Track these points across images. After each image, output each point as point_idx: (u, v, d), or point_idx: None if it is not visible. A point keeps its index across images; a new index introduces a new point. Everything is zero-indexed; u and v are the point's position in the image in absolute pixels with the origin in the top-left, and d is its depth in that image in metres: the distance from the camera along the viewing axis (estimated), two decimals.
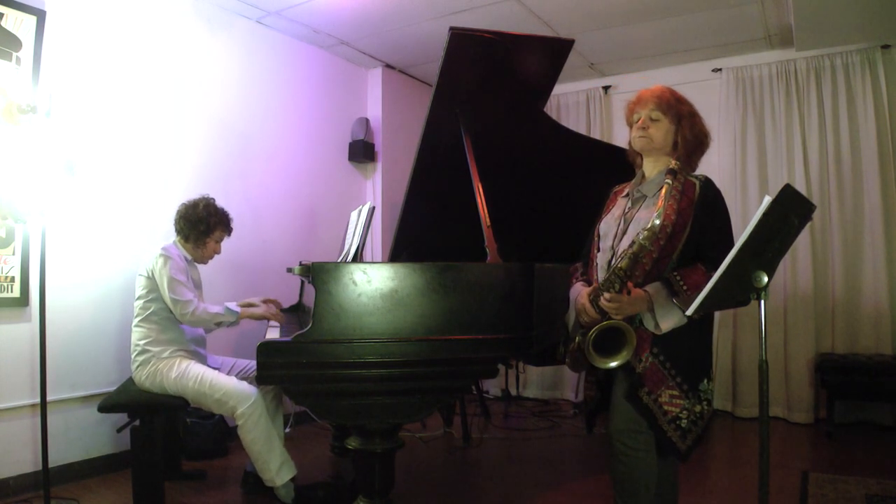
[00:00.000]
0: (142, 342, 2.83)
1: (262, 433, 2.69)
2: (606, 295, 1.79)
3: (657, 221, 1.74)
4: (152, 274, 2.85)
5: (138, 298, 2.88)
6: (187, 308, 2.79)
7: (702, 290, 1.69)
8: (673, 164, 1.85)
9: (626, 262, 1.76)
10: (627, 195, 2.03)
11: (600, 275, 1.96)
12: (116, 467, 3.24)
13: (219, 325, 2.93)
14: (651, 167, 2.00)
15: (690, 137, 1.93)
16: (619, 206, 2.03)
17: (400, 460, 2.47)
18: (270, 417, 2.81)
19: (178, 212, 3.04)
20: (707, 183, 1.90)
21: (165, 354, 2.82)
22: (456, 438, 4.01)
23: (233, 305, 2.95)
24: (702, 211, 1.84)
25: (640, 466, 1.83)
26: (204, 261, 3.12)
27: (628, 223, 1.93)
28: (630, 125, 2.03)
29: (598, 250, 2.02)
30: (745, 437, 4.08)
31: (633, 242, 1.77)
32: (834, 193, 4.32)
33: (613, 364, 1.80)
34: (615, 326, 1.79)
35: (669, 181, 1.80)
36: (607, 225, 2.01)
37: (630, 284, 1.78)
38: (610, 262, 1.93)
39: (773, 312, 4.39)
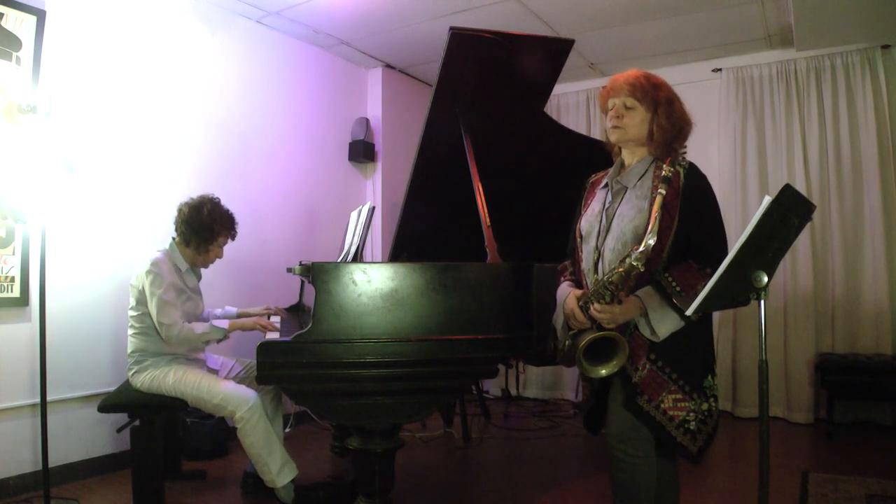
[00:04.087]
0: (137, 353, 2.79)
1: (261, 436, 2.67)
2: (597, 305, 1.71)
3: (651, 242, 1.62)
4: (143, 287, 2.74)
5: (131, 309, 2.80)
6: (172, 331, 2.69)
7: (695, 289, 1.66)
8: (666, 169, 1.72)
9: (617, 278, 1.67)
10: (606, 186, 1.92)
11: (588, 277, 1.87)
12: (116, 467, 3.25)
13: (207, 343, 2.85)
14: (630, 156, 1.89)
15: (667, 126, 1.80)
16: (598, 200, 1.92)
17: (400, 460, 2.47)
18: (270, 418, 2.81)
19: (181, 213, 2.88)
20: (691, 170, 1.79)
21: (162, 363, 2.78)
22: (456, 438, 4.01)
23: (220, 322, 2.86)
24: (688, 202, 1.74)
25: (640, 472, 1.79)
26: (205, 265, 3.00)
27: (611, 219, 1.83)
28: (605, 112, 1.90)
29: (582, 251, 1.92)
30: (745, 437, 4.08)
31: (624, 260, 1.67)
32: (834, 193, 4.32)
33: (604, 372, 1.73)
34: (606, 337, 1.72)
35: (663, 192, 1.67)
36: (589, 223, 1.91)
37: (621, 294, 1.71)
38: (597, 262, 1.84)
39: (773, 312, 4.39)
